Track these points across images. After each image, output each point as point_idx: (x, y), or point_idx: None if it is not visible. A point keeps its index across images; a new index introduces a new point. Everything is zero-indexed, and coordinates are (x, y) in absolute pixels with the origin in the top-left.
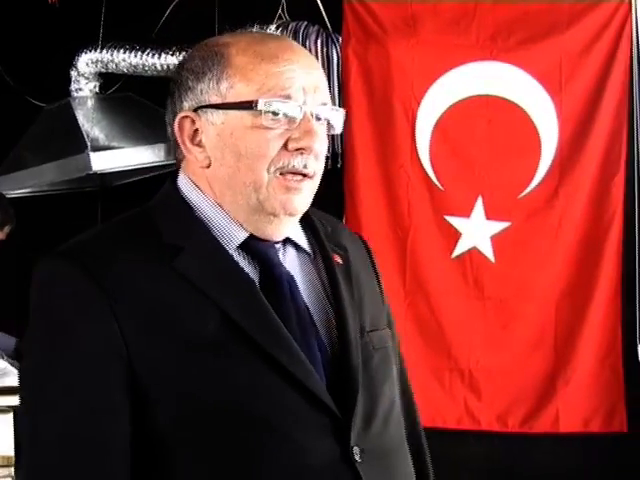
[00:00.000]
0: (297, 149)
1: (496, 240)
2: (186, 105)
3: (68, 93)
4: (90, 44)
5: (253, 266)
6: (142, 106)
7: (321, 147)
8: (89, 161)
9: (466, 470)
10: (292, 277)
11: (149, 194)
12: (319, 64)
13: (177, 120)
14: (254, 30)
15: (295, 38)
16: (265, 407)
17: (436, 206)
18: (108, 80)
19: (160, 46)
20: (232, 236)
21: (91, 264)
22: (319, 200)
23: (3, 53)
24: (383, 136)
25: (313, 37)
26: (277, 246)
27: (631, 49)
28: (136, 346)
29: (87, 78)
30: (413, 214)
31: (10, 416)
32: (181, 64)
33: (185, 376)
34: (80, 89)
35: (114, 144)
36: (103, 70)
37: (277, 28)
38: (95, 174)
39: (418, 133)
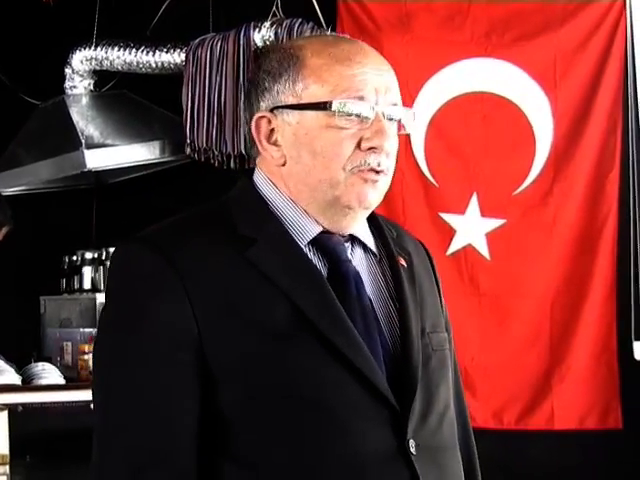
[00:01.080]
0: (369, 148)
1: (491, 237)
2: (263, 105)
3: (63, 91)
4: (84, 42)
5: (322, 261)
6: (137, 103)
7: (392, 146)
8: (84, 158)
9: None
10: (358, 274)
11: (144, 191)
12: (389, 66)
13: (254, 120)
14: (328, 33)
15: (289, 35)
16: (327, 396)
17: (431, 203)
18: (103, 78)
19: (154, 43)
20: (305, 231)
21: (166, 248)
22: None
23: None
24: None
25: (307, 34)
26: (346, 244)
27: (625, 46)
28: (207, 328)
29: (82, 76)
30: (408, 211)
31: (5, 414)
32: (258, 66)
33: (252, 361)
34: (75, 87)
35: (109, 141)
36: (97, 68)
37: (271, 25)
38: (90, 171)
39: (412, 130)
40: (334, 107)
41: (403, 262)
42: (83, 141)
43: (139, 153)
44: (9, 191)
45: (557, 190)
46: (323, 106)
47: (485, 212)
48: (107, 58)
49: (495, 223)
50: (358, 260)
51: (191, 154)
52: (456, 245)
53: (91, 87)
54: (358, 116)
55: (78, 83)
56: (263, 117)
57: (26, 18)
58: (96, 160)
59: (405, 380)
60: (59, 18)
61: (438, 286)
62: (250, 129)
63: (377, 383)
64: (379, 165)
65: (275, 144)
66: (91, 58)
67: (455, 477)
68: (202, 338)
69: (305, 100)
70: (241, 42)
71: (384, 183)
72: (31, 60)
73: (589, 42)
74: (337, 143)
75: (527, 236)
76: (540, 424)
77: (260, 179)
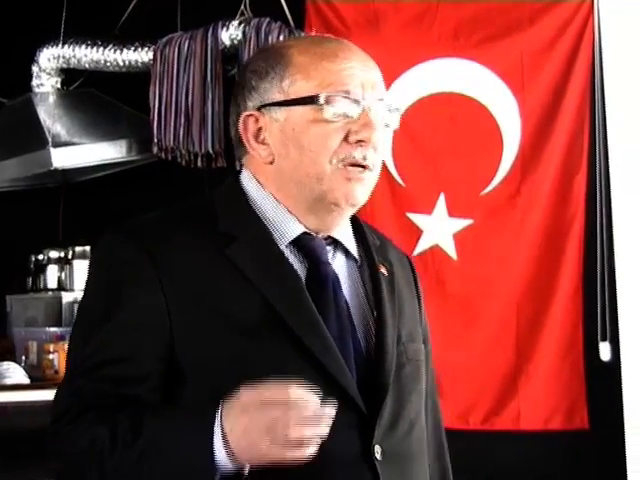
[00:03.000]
0: (357, 141)
1: (458, 237)
2: (250, 104)
3: (29, 88)
4: (52, 39)
5: (302, 262)
6: (104, 102)
7: (379, 140)
8: (50, 157)
9: None
10: (337, 277)
11: (111, 190)
12: (375, 63)
13: (242, 119)
14: (313, 35)
15: (257, 34)
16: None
17: (398, 203)
18: (70, 76)
19: (122, 42)
20: (286, 231)
21: (146, 238)
22: None
23: None
24: None
25: (275, 33)
26: (328, 248)
27: (593, 47)
28: (178, 319)
29: (49, 74)
30: (375, 210)
31: None
32: (245, 66)
33: (219, 355)
34: (42, 84)
35: (75, 140)
36: (65, 66)
37: (239, 24)
38: (57, 170)
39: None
40: (321, 100)
41: (384, 270)
42: (50, 139)
43: (106, 152)
44: None
45: (524, 191)
46: (310, 100)
47: (452, 212)
48: (74, 56)
49: (462, 223)
50: (338, 264)
51: (158, 153)
52: (423, 245)
53: (58, 85)
54: (345, 110)
55: (45, 81)
56: (250, 116)
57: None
58: (63, 159)
59: (376, 385)
60: (26, 15)
61: (419, 300)
62: (237, 129)
63: (346, 386)
64: (365, 159)
65: (263, 142)
66: (58, 56)
67: None
68: (173, 331)
69: (292, 96)
70: (209, 41)
71: (371, 179)
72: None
73: (557, 42)
74: (324, 136)
75: (494, 237)
76: (506, 424)
77: (246, 178)
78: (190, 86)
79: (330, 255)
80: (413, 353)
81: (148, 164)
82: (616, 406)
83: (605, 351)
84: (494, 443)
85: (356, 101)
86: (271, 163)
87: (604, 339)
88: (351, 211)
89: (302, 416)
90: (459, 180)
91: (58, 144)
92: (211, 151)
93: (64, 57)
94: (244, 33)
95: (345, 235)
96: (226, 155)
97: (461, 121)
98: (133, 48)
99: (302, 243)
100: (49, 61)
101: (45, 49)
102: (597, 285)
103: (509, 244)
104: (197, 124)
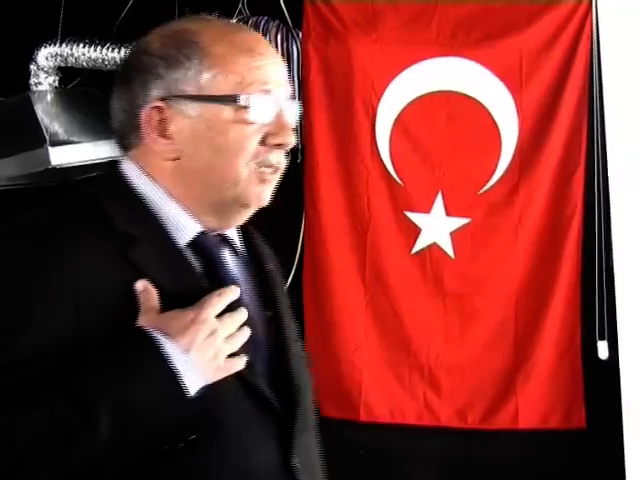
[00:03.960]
0: (275, 145)
1: (456, 236)
2: (154, 93)
3: (27, 87)
4: (50, 38)
5: (199, 263)
6: (102, 100)
7: (294, 141)
8: (48, 155)
9: (426, 466)
10: (234, 279)
11: None
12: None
13: (146, 109)
14: (212, 17)
15: None
16: (215, 406)
17: (396, 202)
18: (68, 74)
19: (120, 40)
20: (184, 230)
21: (48, 240)
22: (280, 196)
23: None
24: (343, 132)
25: (273, 32)
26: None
27: (591, 47)
28: (87, 333)
29: (47, 72)
30: (373, 210)
31: None
32: (145, 49)
33: None
34: (39, 83)
35: (73, 138)
36: (63, 64)
37: (237, 23)
38: (54, 169)
39: (378, 129)
40: (243, 101)
41: (270, 265)
42: (47, 138)
43: (104, 150)
44: None
45: (522, 189)
46: (231, 99)
47: (450, 211)
48: (72, 55)
49: (460, 222)
50: (230, 263)
51: None
52: (421, 244)
53: (56, 84)
54: (265, 111)
55: (43, 79)
56: (155, 107)
57: None
58: (60, 157)
59: (288, 393)
60: (24, 14)
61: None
62: (129, 116)
63: (265, 393)
64: (279, 162)
65: (166, 137)
66: (56, 54)
67: None
68: (80, 343)
69: (209, 91)
70: None
71: (277, 180)
72: None
73: (555, 42)
74: (243, 139)
75: (492, 235)
76: (504, 423)
77: (132, 172)
78: None
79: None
80: (302, 349)
81: None
82: (614, 405)
83: (603, 350)
84: (492, 442)
85: (275, 101)
86: (175, 160)
87: (602, 338)
88: (254, 211)
89: (229, 324)
90: (457, 179)
91: (56, 143)
92: None
93: (62, 55)
94: None
95: (232, 231)
96: None
97: (459, 120)
98: (131, 47)
99: (197, 242)
100: (47, 59)
101: (43, 47)
102: (595, 283)
103: (507, 243)
104: None
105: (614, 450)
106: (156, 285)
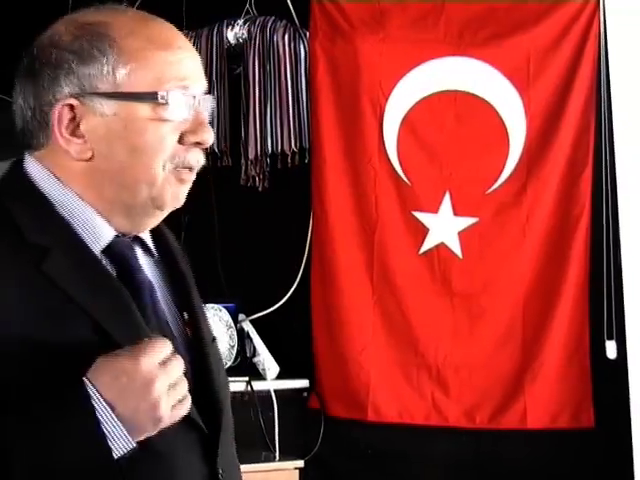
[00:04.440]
0: (194, 143)
1: (464, 236)
2: (65, 90)
3: None
4: None
5: (112, 269)
6: None
7: (212, 139)
8: None
9: (434, 466)
10: (152, 284)
11: None
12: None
13: (58, 108)
14: (123, 6)
15: (262, 33)
16: None
17: (403, 202)
18: None
19: None
20: (99, 235)
21: None
22: (287, 196)
23: None
24: (350, 131)
25: (280, 32)
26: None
27: (598, 46)
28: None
29: None
30: (380, 210)
31: None
32: (54, 42)
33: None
34: None
35: None
36: None
37: (245, 23)
38: None
39: (386, 128)
40: (162, 98)
41: (182, 264)
42: None
43: None
44: None
45: (530, 189)
46: (150, 96)
47: (458, 211)
48: None
49: (468, 222)
50: (143, 264)
51: None
52: (429, 244)
53: None
54: (184, 108)
55: None
56: (67, 104)
57: None
58: None
59: (208, 403)
60: (32, 13)
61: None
62: (36, 115)
63: (193, 414)
64: (197, 162)
65: (76, 136)
66: None
67: None
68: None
69: (126, 89)
70: (214, 40)
71: (193, 180)
72: (3, 56)
73: (562, 41)
74: (160, 138)
75: (500, 235)
76: (513, 423)
77: (38, 173)
78: None
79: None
80: (219, 352)
81: None
82: (622, 404)
83: (611, 349)
84: (500, 442)
85: (193, 97)
86: (88, 160)
87: (610, 337)
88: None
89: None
90: (465, 179)
91: None
92: (216, 150)
93: None
94: (249, 32)
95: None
96: (232, 154)
97: (467, 120)
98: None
99: (111, 247)
100: None
101: None
102: (603, 283)
103: (515, 243)
104: None
105: (623, 449)
106: (74, 301)
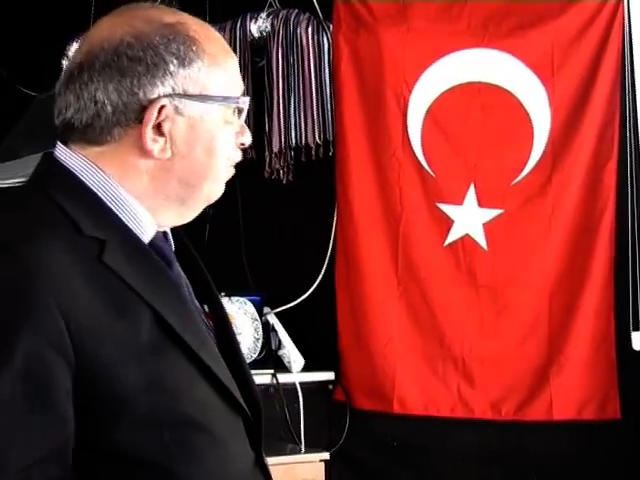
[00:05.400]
0: (241, 144)
1: (489, 227)
2: (160, 90)
3: None
4: (81, 33)
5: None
6: None
7: None
8: None
9: (460, 459)
10: (185, 276)
11: None
12: None
13: (155, 106)
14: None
15: (285, 26)
16: (205, 415)
17: (428, 193)
18: None
19: None
20: (145, 227)
21: (23, 258)
22: (312, 189)
23: None
24: (374, 124)
25: (304, 25)
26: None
27: (623, 36)
28: (80, 347)
29: None
30: (405, 202)
31: None
32: (148, 43)
33: (122, 382)
34: None
35: None
36: None
37: (268, 16)
38: None
39: (410, 120)
40: (241, 103)
41: (193, 251)
42: None
43: None
44: (6, 183)
45: (555, 180)
46: (235, 101)
47: (483, 202)
48: None
49: (493, 213)
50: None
51: None
52: (454, 236)
53: None
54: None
55: None
56: (162, 105)
57: (23, 9)
58: None
59: (245, 390)
60: (56, 9)
61: None
62: (116, 112)
63: (236, 396)
64: (238, 160)
65: (161, 135)
66: None
67: None
68: (77, 359)
69: (212, 92)
70: (237, 33)
71: None
72: (28, 51)
73: (587, 32)
74: (229, 140)
75: (525, 226)
76: (539, 415)
77: (81, 166)
78: None
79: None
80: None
81: None
82: None
83: (637, 341)
84: (526, 433)
85: (245, 102)
86: (166, 159)
87: (636, 329)
88: None
89: None
90: (489, 170)
91: None
92: None
93: None
94: (272, 25)
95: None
96: (256, 147)
97: (491, 111)
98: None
99: (153, 240)
100: None
101: (75, 43)
102: (628, 275)
103: (540, 234)
104: None
105: None
106: (134, 291)
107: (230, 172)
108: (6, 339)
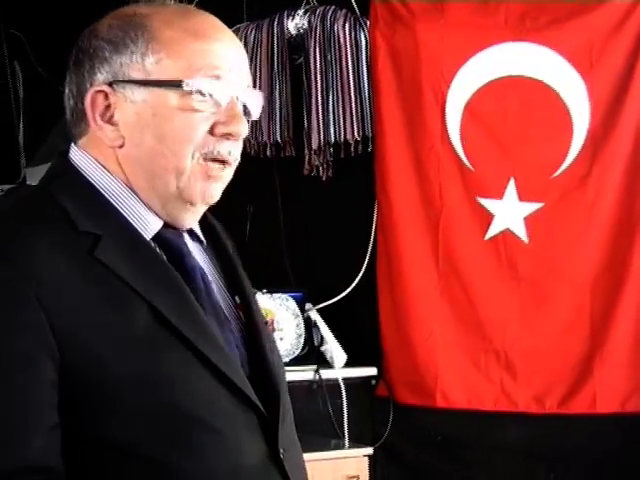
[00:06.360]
0: (224, 134)
1: (529, 221)
2: (100, 78)
3: None
4: None
5: (165, 256)
6: None
7: (246, 132)
8: None
9: (504, 452)
10: (202, 268)
11: None
12: (241, 44)
13: (90, 94)
14: (170, 1)
15: (323, 23)
16: (202, 407)
17: (468, 188)
18: None
19: None
20: (147, 224)
21: (9, 254)
22: (351, 185)
23: (35, 44)
24: (413, 118)
25: (341, 21)
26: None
27: None
28: (65, 341)
29: None
30: (445, 196)
31: None
32: (94, 32)
33: (116, 376)
34: None
35: None
36: None
37: (305, 13)
38: None
39: (448, 115)
40: (189, 86)
41: (229, 247)
42: None
43: None
44: None
45: (595, 172)
46: (177, 84)
47: (523, 196)
48: None
49: (533, 207)
50: (192, 251)
51: None
52: (494, 230)
53: None
54: (213, 97)
55: None
56: (100, 91)
57: (63, 11)
58: None
59: (265, 383)
60: (96, 10)
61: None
62: (76, 103)
63: (244, 389)
64: (230, 154)
65: (111, 122)
66: None
67: (306, 476)
68: (61, 352)
69: (155, 76)
70: (275, 31)
71: (229, 175)
72: (68, 53)
73: (625, 23)
74: (190, 127)
75: (566, 219)
76: (582, 407)
77: (86, 162)
78: (257, 76)
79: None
80: (272, 335)
81: None
82: None
83: None
84: (570, 427)
85: (226, 88)
86: (120, 147)
87: None
88: (205, 208)
89: None
90: (529, 164)
91: None
92: (279, 140)
93: None
94: (310, 22)
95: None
96: (295, 144)
97: (530, 104)
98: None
99: (161, 236)
100: None
101: None
102: None
103: (580, 227)
104: (265, 114)
105: None
106: (125, 282)
107: (210, 169)
108: None
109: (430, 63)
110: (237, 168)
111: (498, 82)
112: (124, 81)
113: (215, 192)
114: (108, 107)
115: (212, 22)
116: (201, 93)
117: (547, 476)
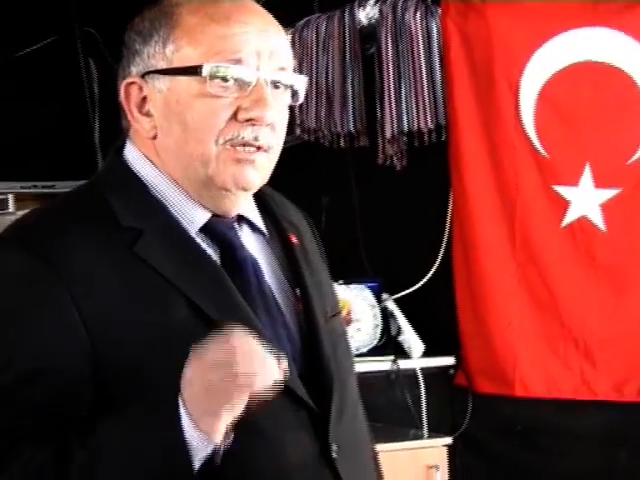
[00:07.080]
0: (247, 120)
1: (606, 208)
2: (134, 70)
3: None
4: None
5: (213, 249)
6: None
7: (276, 117)
8: None
9: (585, 441)
10: (256, 261)
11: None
12: (279, 27)
13: (122, 87)
14: None
15: (394, 12)
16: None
17: (543, 175)
18: None
19: None
20: (193, 216)
21: (45, 250)
22: (426, 174)
23: (110, 41)
24: (486, 106)
25: (412, 10)
26: (236, 226)
27: None
28: (99, 337)
29: None
30: (520, 184)
31: None
32: (130, 26)
33: (154, 371)
34: None
35: None
36: None
37: (376, 3)
38: None
39: (522, 102)
40: (205, 71)
41: (295, 240)
42: None
43: None
44: None
45: None
46: (194, 70)
47: (599, 183)
48: None
49: (609, 193)
50: (249, 243)
51: (301, 134)
52: (570, 217)
53: None
54: (235, 82)
55: None
56: (133, 83)
57: (137, 8)
58: None
59: (319, 375)
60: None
61: (324, 258)
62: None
63: (295, 388)
64: (256, 139)
65: (147, 114)
66: None
67: (372, 475)
68: (95, 348)
69: (176, 64)
70: (346, 21)
71: (265, 161)
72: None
73: None
74: (210, 113)
75: None
76: None
77: (134, 156)
78: (330, 67)
79: (240, 235)
80: (340, 326)
81: (293, 146)
82: None
83: None
84: None
85: (248, 72)
86: (154, 138)
87: None
88: (246, 195)
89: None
90: (604, 150)
91: None
92: (353, 130)
93: None
94: (381, 11)
95: (248, 207)
96: (369, 134)
97: (604, 90)
98: None
99: (210, 228)
100: None
101: None
102: None
103: None
104: (338, 104)
105: None
106: (164, 277)
107: (238, 153)
108: (22, 324)
109: (502, 50)
110: (311, 159)
111: (571, 68)
112: (153, 71)
113: (250, 177)
114: (144, 99)
115: (240, 6)
116: (219, 78)
117: (629, 464)
